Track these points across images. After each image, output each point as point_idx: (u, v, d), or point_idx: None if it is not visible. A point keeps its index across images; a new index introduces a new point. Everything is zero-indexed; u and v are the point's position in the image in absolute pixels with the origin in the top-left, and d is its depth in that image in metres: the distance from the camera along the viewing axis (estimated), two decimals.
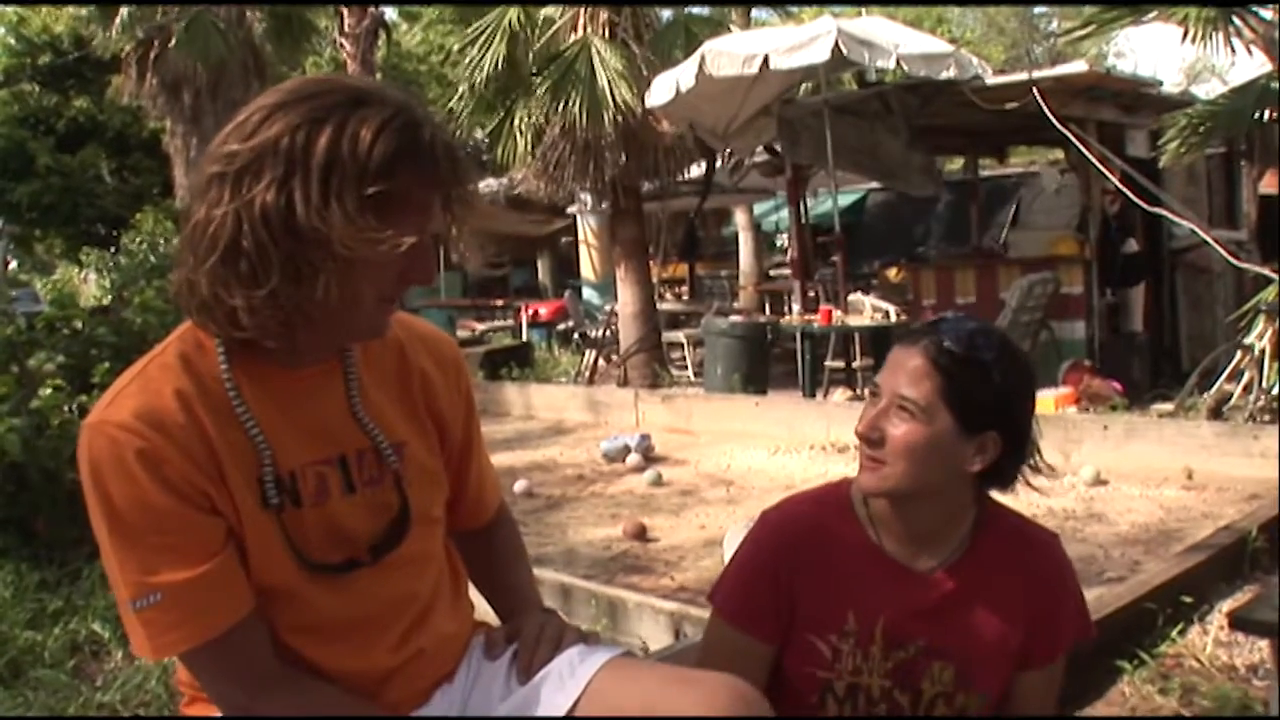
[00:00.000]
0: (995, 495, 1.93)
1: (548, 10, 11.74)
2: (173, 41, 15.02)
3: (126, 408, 1.43)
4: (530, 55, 11.65)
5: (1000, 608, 1.85)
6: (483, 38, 11.49)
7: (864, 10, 16.23)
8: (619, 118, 10.41)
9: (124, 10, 15.77)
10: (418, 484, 1.63)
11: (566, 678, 1.65)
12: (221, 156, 1.40)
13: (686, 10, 12.27)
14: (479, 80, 11.43)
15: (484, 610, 1.88)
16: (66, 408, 5.73)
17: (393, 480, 1.60)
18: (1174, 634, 3.78)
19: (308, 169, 1.35)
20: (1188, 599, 3.96)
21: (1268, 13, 7.90)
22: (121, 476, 1.40)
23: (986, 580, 1.85)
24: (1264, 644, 3.58)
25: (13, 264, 30.26)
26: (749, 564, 1.93)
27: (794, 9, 14.40)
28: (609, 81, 10.35)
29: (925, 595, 1.84)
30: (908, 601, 1.83)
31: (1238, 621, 2.83)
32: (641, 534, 5.70)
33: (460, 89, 12.05)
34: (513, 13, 11.45)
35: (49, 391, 5.62)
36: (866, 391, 1.86)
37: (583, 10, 11.13)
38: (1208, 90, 12.77)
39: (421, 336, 1.73)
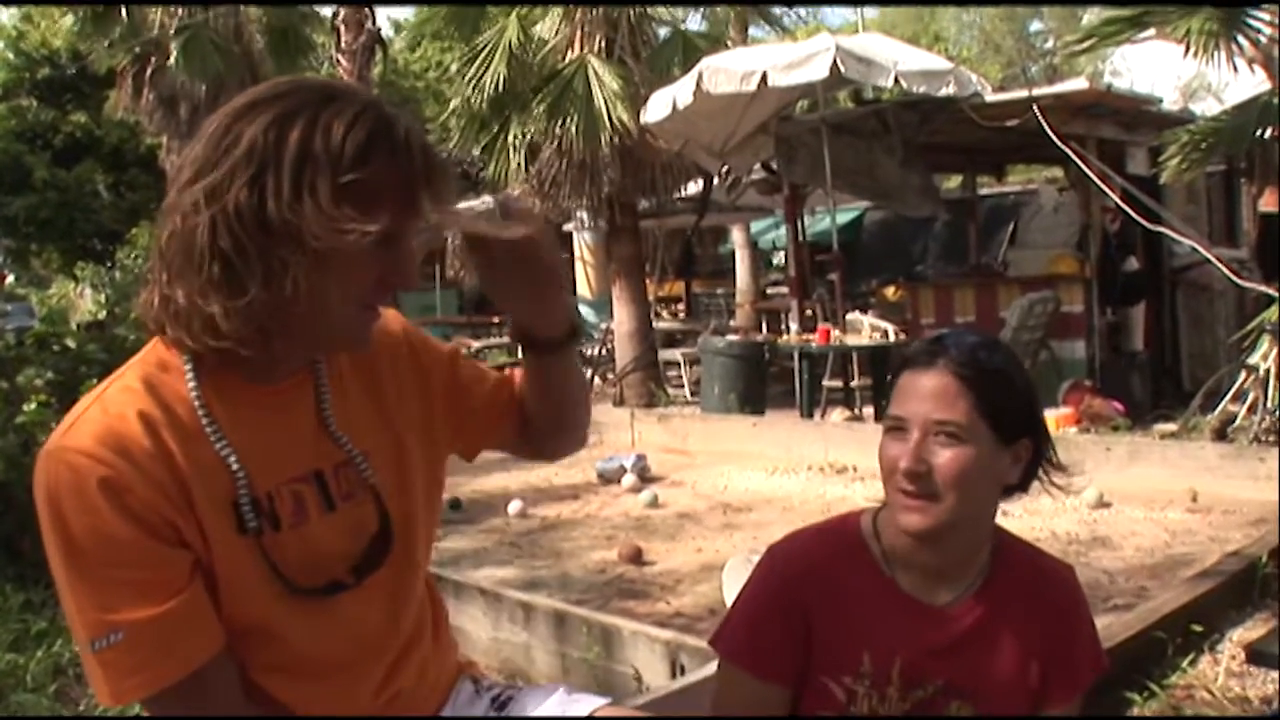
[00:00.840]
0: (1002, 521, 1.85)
1: (543, 29, 11.70)
2: (170, 58, 15.01)
3: (87, 433, 1.33)
4: (526, 73, 11.61)
5: (1018, 642, 1.77)
6: (482, 56, 11.46)
7: (861, 26, 16.21)
8: (615, 137, 10.36)
9: (120, 24, 15.78)
10: (397, 495, 1.54)
11: None
12: (193, 162, 1.34)
13: (684, 26, 12.25)
14: (479, 100, 11.39)
15: (478, 637, 1.79)
16: (53, 424, 5.66)
17: (370, 493, 1.51)
18: (1184, 664, 3.70)
19: (280, 164, 1.29)
20: (1198, 628, 3.87)
21: (1268, 29, 7.86)
22: (81, 507, 1.30)
23: (1003, 614, 1.77)
24: (1276, 675, 3.49)
25: (9, 278, 30.21)
26: (757, 603, 1.82)
27: (790, 25, 14.36)
28: (606, 102, 10.31)
29: (943, 632, 1.75)
30: (925, 639, 1.74)
31: (1255, 655, 2.77)
32: (637, 557, 5.61)
33: (454, 104, 12.02)
34: (511, 32, 11.42)
35: (34, 407, 5.54)
36: (873, 420, 1.77)
37: (579, 28, 11.09)
38: (1204, 108, 12.74)
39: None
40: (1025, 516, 5.72)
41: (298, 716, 1.47)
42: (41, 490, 1.33)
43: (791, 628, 1.76)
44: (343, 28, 16.97)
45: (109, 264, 24.80)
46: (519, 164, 11.38)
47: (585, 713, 1.56)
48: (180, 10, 15.59)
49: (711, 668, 3.09)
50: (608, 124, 10.23)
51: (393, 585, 1.53)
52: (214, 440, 1.38)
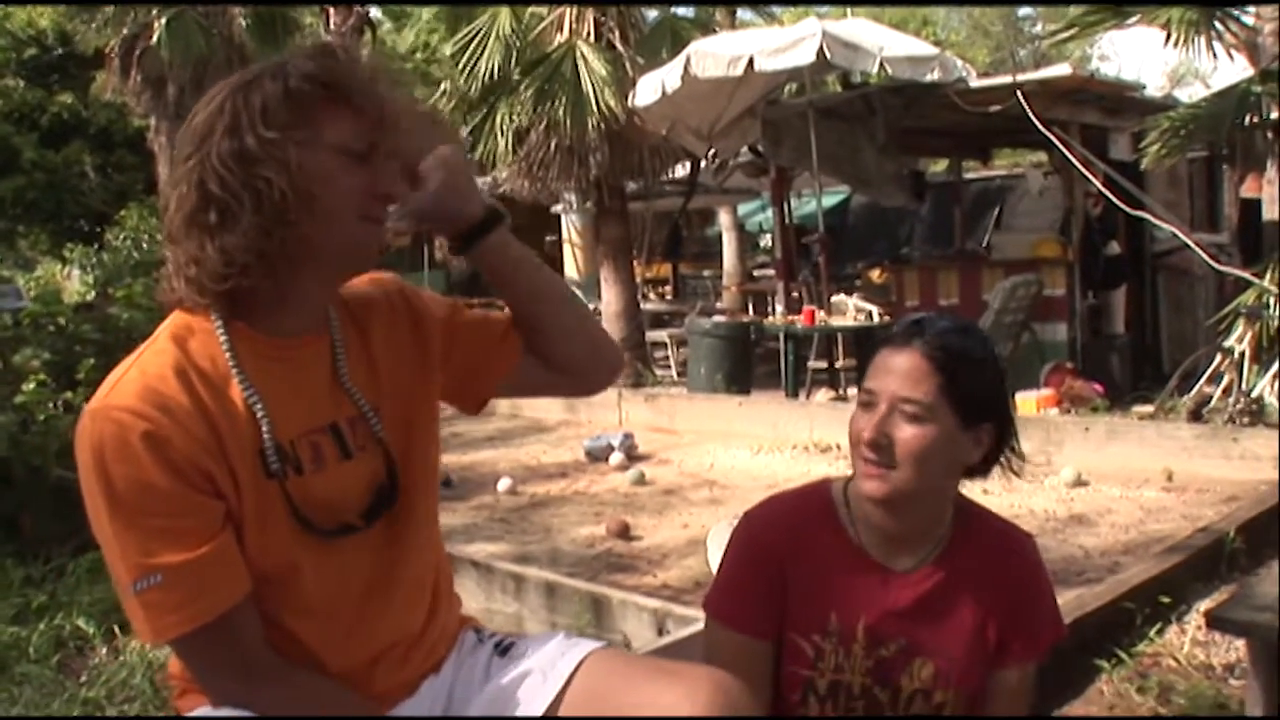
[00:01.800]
0: (970, 495, 1.95)
1: (534, 10, 11.73)
2: (155, 38, 14.99)
3: (130, 392, 1.47)
4: (514, 56, 11.64)
5: (977, 606, 1.87)
6: (475, 42, 11.49)
7: (849, 12, 16.25)
8: (602, 123, 10.41)
9: (107, 8, 15.76)
10: (405, 449, 1.68)
11: (548, 670, 1.67)
12: (184, 141, 1.53)
13: (672, 12, 12.29)
14: (472, 85, 11.43)
15: (470, 607, 1.90)
16: (51, 404, 5.74)
17: (379, 446, 1.65)
18: (1152, 633, 3.82)
19: (249, 109, 1.49)
20: (1166, 599, 3.99)
21: (1249, 18, 7.97)
22: (125, 459, 1.43)
23: (964, 579, 1.88)
24: (1240, 643, 3.61)
25: None
26: (738, 565, 1.94)
27: (777, 10, 14.43)
28: (594, 86, 10.36)
29: (905, 594, 1.86)
30: (888, 601, 1.86)
31: (1214, 621, 2.87)
32: (625, 533, 5.71)
33: (443, 87, 12.04)
34: (504, 19, 11.44)
35: (33, 387, 5.62)
36: (855, 399, 1.87)
37: (569, 12, 11.13)
38: (1191, 94, 12.85)
39: (374, 278, 1.77)
40: (1004, 494, 5.83)
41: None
42: (86, 446, 1.45)
43: (769, 585, 1.87)
44: (331, 9, 16.96)
45: (97, 245, 24.75)
46: (507, 146, 11.42)
47: (584, 653, 1.67)
48: None
49: (695, 628, 3.21)
50: (595, 109, 10.29)
51: (398, 531, 1.66)
52: (243, 388, 1.52)
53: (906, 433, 1.77)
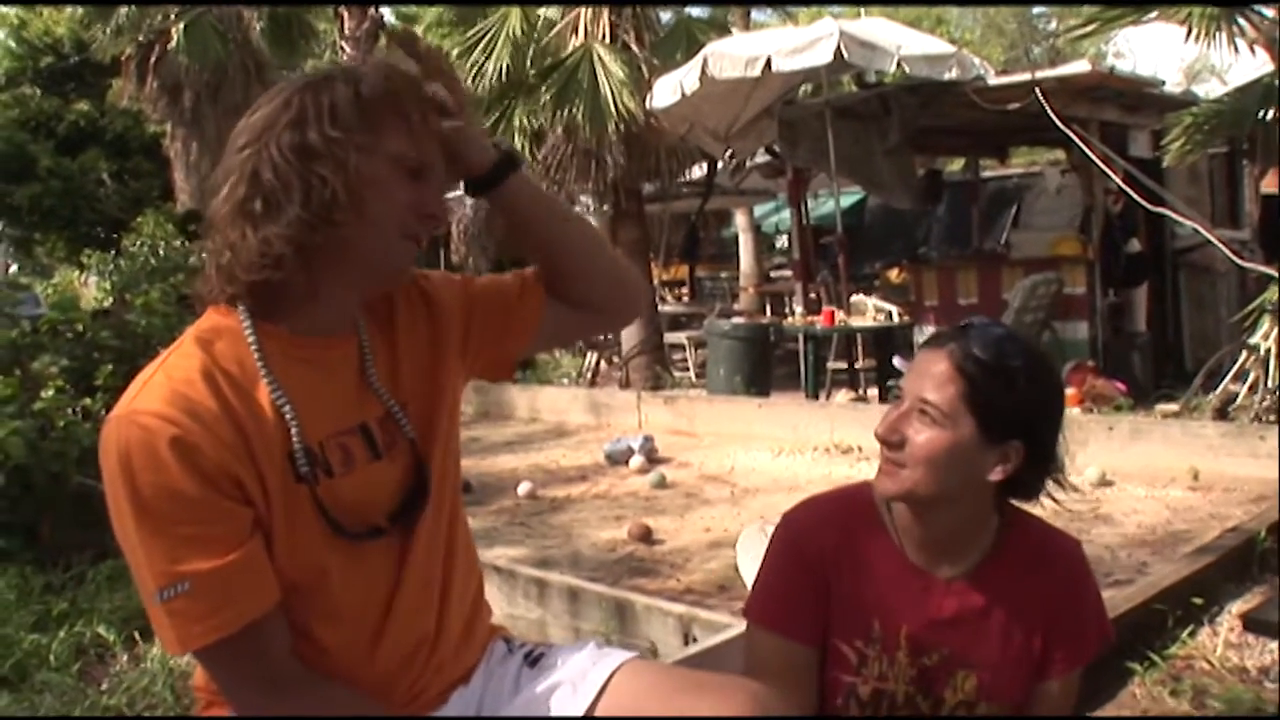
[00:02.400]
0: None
1: (549, 11, 11.72)
2: (172, 44, 15.04)
3: (157, 396, 1.44)
4: (529, 58, 11.63)
5: (1023, 617, 1.83)
6: (484, 42, 11.48)
7: (863, 11, 16.22)
8: (620, 125, 10.39)
9: (122, 12, 15.81)
10: (435, 450, 1.66)
11: (579, 681, 1.64)
12: (241, 132, 1.52)
13: (688, 13, 12.27)
14: (482, 87, 11.42)
15: (499, 615, 1.87)
16: (70, 410, 5.74)
17: (409, 446, 1.62)
18: (1184, 636, 3.77)
19: (319, 108, 1.49)
20: (1198, 600, 3.94)
21: (1270, 11, 7.90)
22: (152, 465, 1.40)
23: (1009, 589, 1.84)
24: (1275, 645, 3.57)
25: (13, 267, 30.22)
26: (781, 569, 1.90)
27: (792, 9, 14.37)
28: (612, 90, 10.33)
29: (948, 603, 1.82)
30: (930, 609, 1.82)
31: (1250, 623, 2.84)
32: (646, 536, 5.68)
33: None
34: (514, 20, 11.44)
35: (51, 393, 5.62)
36: (891, 394, 1.84)
37: (584, 14, 11.11)
38: (1207, 90, 12.75)
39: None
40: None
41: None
42: (112, 452, 1.42)
43: (814, 588, 1.83)
44: (346, 14, 17.00)
45: (114, 251, 24.82)
46: (524, 148, 11.40)
47: (616, 664, 1.64)
48: None
49: (723, 635, 3.18)
50: (613, 112, 10.26)
51: (427, 538, 1.63)
52: (270, 389, 1.49)
53: (921, 435, 1.74)
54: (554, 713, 1.63)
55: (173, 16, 15.53)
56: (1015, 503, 1.88)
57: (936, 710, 1.83)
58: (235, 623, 1.44)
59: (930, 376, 1.75)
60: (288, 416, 1.49)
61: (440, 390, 1.70)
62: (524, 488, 6.98)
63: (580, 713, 1.61)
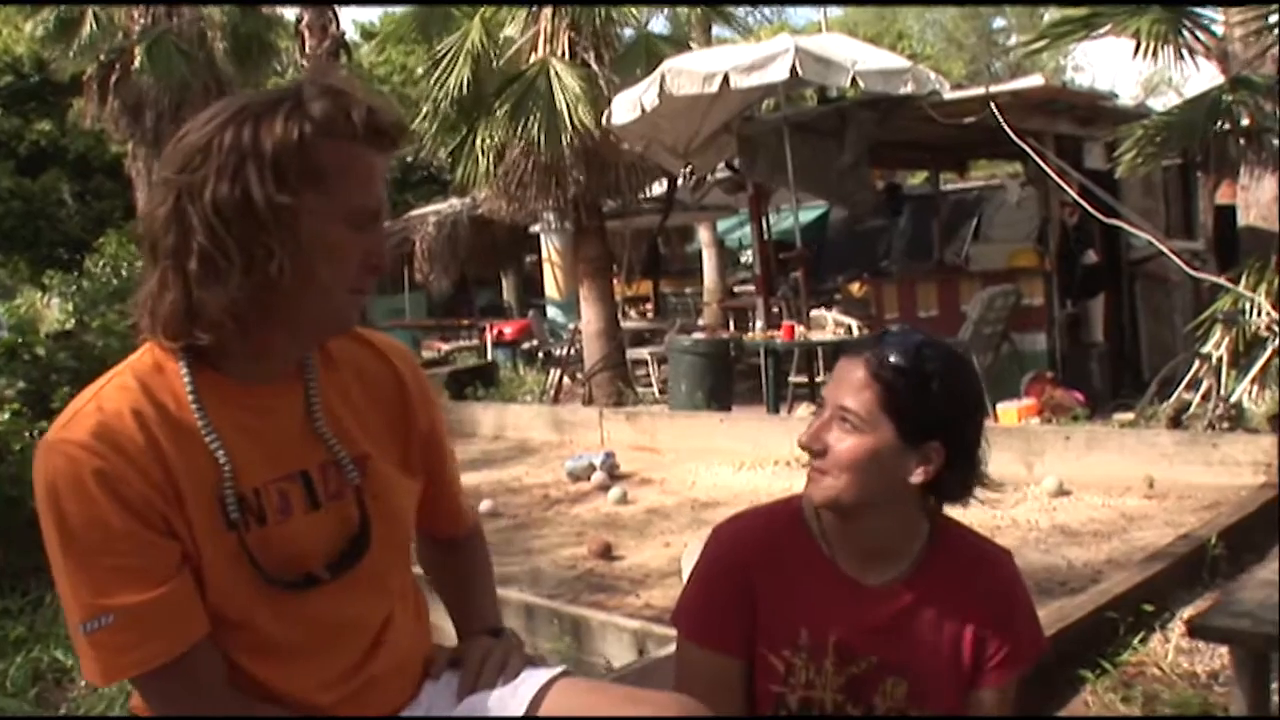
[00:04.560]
0: (951, 511, 1.92)
1: (508, 30, 11.75)
2: (135, 64, 14.99)
3: (84, 427, 1.42)
4: (491, 76, 11.64)
5: (952, 624, 1.85)
6: (447, 58, 11.50)
7: (824, 26, 16.32)
8: (576, 139, 10.42)
9: (84, 31, 15.75)
10: (381, 498, 1.61)
11: (509, 698, 1.63)
12: (172, 158, 1.44)
13: (647, 29, 12.30)
14: (444, 102, 11.43)
15: (445, 634, 1.87)
16: (27, 433, 5.69)
17: (353, 495, 1.58)
18: (1136, 642, 3.82)
19: (260, 158, 1.39)
20: (1149, 607, 3.99)
21: (1219, 27, 8.02)
22: (78, 496, 1.39)
23: (938, 596, 1.85)
24: (1224, 650, 3.61)
25: None
26: (707, 580, 1.92)
27: (754, 26, 14.44)
28: (567, 104, 10.35)
29: (877, 611, 1.84)
30: (859, 617, 1.83)
31: (1196, 630, 2.86)
32: (606, 553, 5.69)
33: (423, 109, 12.04)
34: (475, 34, 11.46)
35: (7, 417, 5.57)
36: (798, 404, 1.87)
37: (543, 30, 11.14)
38: (1165, 103, 12.93)
39: (388, 344, 1.74)
40: (987, 506, 5.82)
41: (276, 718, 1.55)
42: (40, 480, 1.41)
43: (739, 600, 1.85)
44: (306, 32, 16.99)
45: (77, 272, 24.63)
46: (488, 167, 11.41)
47: (542, 680, 1.63)
48: (145, 16, 15.59)
49: (674, 647, 3.18)
50: (569, 125, 10.28)
51: (368, 582, 1.60)
52: (205, 435, 1.46)
53: (841, 442, 1.77)
54: None
55: (135, 35, 15.49)
56: (948, 511, 1.90)
57: (867, 717, 1.84)
58: (160, 657, 1.42)
59: (848, 384, 1.79)
60: (221, 461, 1.46)
61: (396, 453, 1.67)
62: (485, 505, 6.96)
63: None
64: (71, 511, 1.39)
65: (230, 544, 1.47)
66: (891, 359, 1.77)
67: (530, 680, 1.65)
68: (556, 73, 10.58)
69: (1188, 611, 4.11)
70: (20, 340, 6.60)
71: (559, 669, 1.70)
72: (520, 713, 1.60)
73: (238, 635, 1.51)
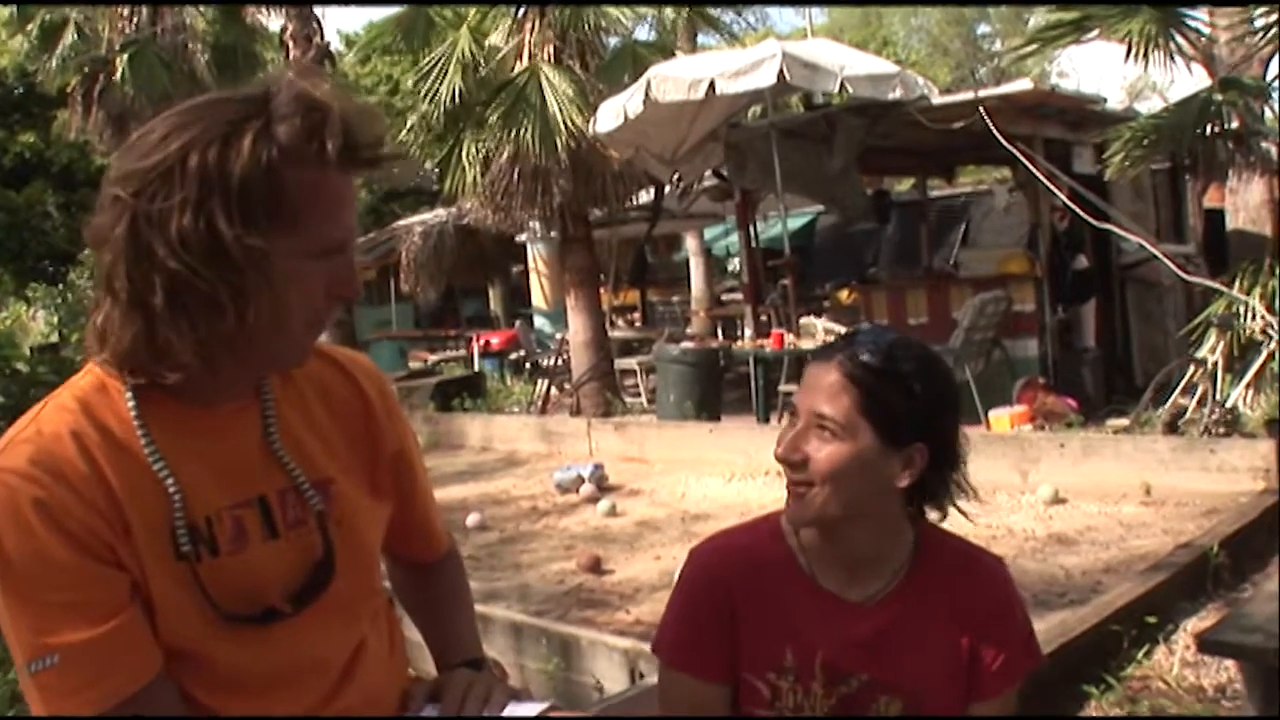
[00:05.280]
0: (938, 520, 1.83)
1: (493, 39, 11.69)
2: (117, 75, 14.91)
3: (22, 454, 1.31)
4: (480, 85, 11.59)
5: (944, 638, 1.76)
6: (436, 68, 11.44)
7: (810, 32, 16.28)
8: (570, 144, 10.35)
9: (67, 42, 15.67)
10: (346, 524, 1.51)
11: None
12: (125, 171, 1.30)
13: (633, 36, 12.25)
14: (435, 112, 11.37)
15: (422, 666, 1.77)
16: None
17: (316, 522, 1.47)
18: (1140, 655, 3.73)
19: (226, 192, 1.26)
20: (1152, 619, 3.91)
21: (1206, 29, 7.98)
22: (16, 527, 1.28)
23: (927, 609, 1.76)
24: (1231, 664, 3.53)
25: None
26: (685, 605, 1.83)
27: (739, 33, 14.43)
28: (560, 107, 10.29)
29: (862, 627, 1.74)
30: (845, 634, 1.74)
31: (1206, 645, 2.79)
32: (596, 567, 5.60)
33: (410, 120, 11.99)
34: (464, 43, 11.40)
35: None
36: (785, 414, 1.77)
37: (529, 37, 11.08)
38: (1150, 108, 12.90)
39: (352, 359, 1.64)
40: (982, 514, 5.75)
41: None
42: None
43: (719, 624, 1.76)
44: (291, 43, 16.89)
45: (61, 285, 24.57)
46: (475, 177, 11.34)
47: (529, 716, 1.54)
48: (129, 23, 15.52)
49: None
50: (563, 128, 10.21)
51: (334, 612, 1.50)
52: (152, 462, 1.36)
53: (821, 451, 1.67)
54: None
55: (117, 47, 15.41)
56: (934, 520, 1.81)
57: None
58: (110, 698, 1.32)
59: (822, 390, 1.69)
60: (170, 489, 1.36)
61: (363, 476, 1.57)
62: (473, 519, 6.88)
63: None
64: (10, 543, 1.28)
65: (182, 576, 1.36)
66: (866, 360, 1.68)
67: (519, 711, 1.55)
68: (546, 76, 10.54)
69: (1191, 623, 4.04)
70: (0, 354, 6.53)
71: (545, 704, 1.60)
72: None
73: (195, 671, 1.40)
